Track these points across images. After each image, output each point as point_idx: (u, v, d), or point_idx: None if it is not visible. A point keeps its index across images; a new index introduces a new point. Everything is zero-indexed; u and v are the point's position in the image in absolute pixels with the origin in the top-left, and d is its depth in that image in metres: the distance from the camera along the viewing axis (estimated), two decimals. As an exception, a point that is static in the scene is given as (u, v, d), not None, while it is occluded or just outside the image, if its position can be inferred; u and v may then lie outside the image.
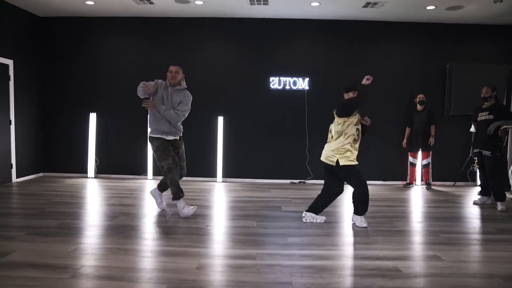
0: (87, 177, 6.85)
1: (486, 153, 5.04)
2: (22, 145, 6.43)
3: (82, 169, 6.94)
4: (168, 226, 3.89)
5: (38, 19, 6.77)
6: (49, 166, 7.03)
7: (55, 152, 7.02)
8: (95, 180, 6.63)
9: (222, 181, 6.81)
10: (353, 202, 4.02)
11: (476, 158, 5.37)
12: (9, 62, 6.09)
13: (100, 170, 6.97)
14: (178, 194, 4.11)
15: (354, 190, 3.96)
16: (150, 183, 6.51)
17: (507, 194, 5.24)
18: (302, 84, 6.81)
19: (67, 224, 3.88)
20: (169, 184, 4.14)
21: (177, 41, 6.88)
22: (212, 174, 6.86)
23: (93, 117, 6.84)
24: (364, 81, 3.99)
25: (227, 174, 6.87)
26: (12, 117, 6.18)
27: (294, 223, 4.10)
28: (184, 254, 3.06)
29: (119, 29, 6.90)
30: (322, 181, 6.53)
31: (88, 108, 6.87)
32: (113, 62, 6.93)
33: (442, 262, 3.01)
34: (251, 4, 6.04)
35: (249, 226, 3.92)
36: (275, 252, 3.14)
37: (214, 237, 3.55)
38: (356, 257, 3.09)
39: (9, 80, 6.11)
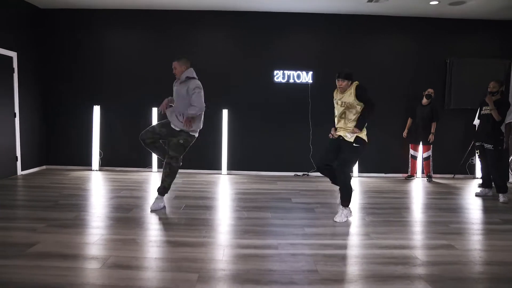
0: (91, 170, 6.85)
1: (488, 146, 5.18)
2: (26, 137, 6.40)
3: (86, 162, 6.94)
4: (184, 218, 3.94)
5: (39, 11, 6.70)
6: (52, 158, 7.01)
7: (58, 145, 6.99)
8: (99, 173, 6.64)
9: (227, 174, 6.87)
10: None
11: (478, 151, 5.51)
12: (13, 55, 6.03)
13: (105, 163, 6.97)
14: (166, 191, 4.27)
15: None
16: (155, 175, 6.54)
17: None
18: (306, 77, 6.88)
19: (84, 216, 3.91)
20: (166, 180, 4.23)
21: (180, 34, 6.88)
22: (216, 166, 6.91)
23: (97, 109, 6.82)
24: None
25: (231, 166, 6.93)
26: (16, 110, 6.14)
27: (308, 214, 4.19)
28: (208, 244, 3.13)
29: (122, 21, 6.87)
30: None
31: (92, 101, 6.85)
32: (117, 54, 6.90)
33: (456, 250, 3.13)
34: (257, -3, 6.07)
35: (264, 218, 4.00)
36: (296, 242, 3.23)
37: (232, 228, 3.63)
38: (373, 246, 3.19)
39: (13, 72, 6.05)
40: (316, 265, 2.74)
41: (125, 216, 3.94)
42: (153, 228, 3.60)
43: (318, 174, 6.91)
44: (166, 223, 3.77)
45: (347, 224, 3.86)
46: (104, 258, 2.79)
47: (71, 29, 6.85)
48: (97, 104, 6.84)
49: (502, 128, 5.16)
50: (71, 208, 4.21)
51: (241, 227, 3.66)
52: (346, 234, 3.53)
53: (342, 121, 4.04)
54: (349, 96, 4.02)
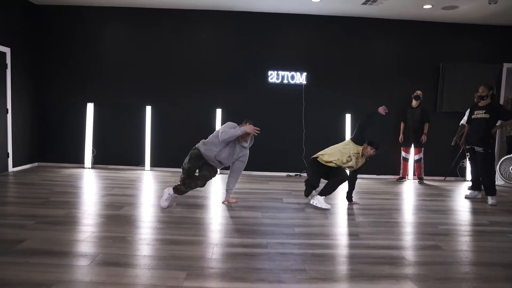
0: (83, 168, 6.83)
1: (479, 149, 5.23)
2: (18, 134, 6.38)
3: (78, 160, 6.92)
4: (175, 216, 3.95)
5: (34, 7, 6.68)
6: (44, 156, 6.99)
7: (51, 142, 6.97)
8: (92, 171, 6.63)
9: (220, 173, 6.87)
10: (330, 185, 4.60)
11: (468, 154, 5.57)
12: (6, 50, 6.01)
13: (97, 161, 6.96)
14: (179, 191, 4.32)
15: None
16: (148, 174, 6.54)
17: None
18: (300, 78, 6.91)
19: (74, 213, 3.91)
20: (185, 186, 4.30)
21: (175, 33, 6.89)
22: (209, 166, 6.92)
23: (90, 107, 6.81)
24: (381, 111, 4.69)
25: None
26: (9, 106, 6.11)
27: (298, 214, 4.22)
28: (197, 243, 3.14)
29: (117, 19, 6.87)
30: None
31: (85, 98, 6.84)
32: (111, 52, 6.90)
33: (443, 251, 3.17)
34: (253, -3, 6.10)
35: (254, 217, 4.02)
36: (285, 241, 3.25)
37: (222, 227, 3.64)
38: (362, 247, 3.22)
39: (6, 68, 6.03)
40: (304, 264, 2.76)
41: (116, 214, 3.94)
42: (143, 226, 3.60)
43: (311, 174, 6.97)
44: (156, 221, 3.78)
45: (337, 224, 3.89)
46: (93, 255, 2.79)
47: (66, 26, 6.83)
48: (91, 102, 6.82)
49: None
50: (62, 205, 4.20)
51: (231, 226, 3.67)
52: (335, 234, 3.56)
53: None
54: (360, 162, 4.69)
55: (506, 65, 7.13)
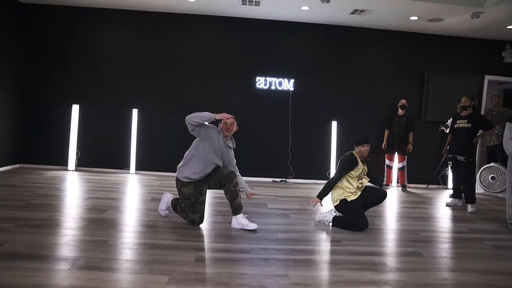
0: (67, 170, 6.74)
1: (461, 158, 5.36)
2: None
3: (61, 162, 6.82)
4: (159, 220, 3.94)
5: (19, 5, 6.59)
6: (26, 157, 6.85)
7: (33, 143, 6.85)
8: (76, 173, 6.54)
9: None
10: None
11: (450, 162, 5.69)
12: (-10, 49, 5.92)
13: (81, 163, 6.87)
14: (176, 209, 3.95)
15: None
16: (132, 177, 6.49)
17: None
18: (288, 85, 6.97)
19: (56, 216, 3.85)
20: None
21: (165, 36, 6.89)
22: (195, 170, 6.90)
23: (75, 108, 6.73)
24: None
25: (210, 171, 6.92)
26: (-9, 106, 6.01)
27: (282, 220, 4.24)
28: (180, 247, 3.14)
29: (105, 20, 6.82)
30: (303, 180, 6.75)
31: (70, 99, 6.75)
32: (98, 53, 6.84)
33: (423, 257, 3.23)
34: (242, 4, 6.14)
35: (239, 222, 4.02)
36: (269, 247, 3.27)
37: (206, 232, 3.64)
38: (344, 253, 3.26)
39: (-10, 67, 5.93)
40: (287, 269, 2.78)
41: (99, 217, 3.91)
42: (126, 230, 3.57)
43: (296, 180, 7.02)
44: (140, 225, 3.75)
45: (320, 230, 3.93)
46: (74, 259, 2.76)
47: (52, 26, 6.76)
48: (76, 103, 6.75)
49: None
50: (44, 208, 4.14)
51: (215, 231, 3.67)
52: (318, 240, 3.59)
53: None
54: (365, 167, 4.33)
55: (487, 77, 7.32)
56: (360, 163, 4.17)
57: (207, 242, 3.31)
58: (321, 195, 4.10)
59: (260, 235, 3.60)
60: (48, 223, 3.61)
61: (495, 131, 6.57)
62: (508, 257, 3.38)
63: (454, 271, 2.96)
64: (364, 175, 4.21)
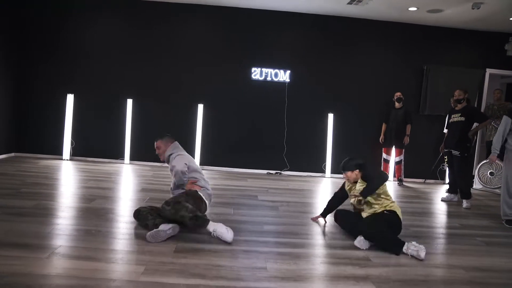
0: (62, 159, 6.73)
1: (456, 153, 5.27)
2: (-5, 123, 6.26)
3: (56, 151, 6.81)
4: (146, 211, 3.90)
5: (16, -6, 6.55)
6: (22, 146, 6.86)
7: (29, 132, 6.85)
8: (70, 163, 6.54)
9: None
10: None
11: (446, 157, 5.61)
12: (-16, 37, 5.89)
13: (76, 153, 6.86)
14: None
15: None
16: (126, 167, 6.47)
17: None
18: (284, 76, 6.89)
19: (43, 205, 3.84)
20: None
21: (159, 26, 6.82)
22: (190, 161, 6.87)
23: (70, 98, 6.71)
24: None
25: (204, 162, 6.90)
26: (-15, 94, 6.00)
27: (270, 212, 4.20)
28: (162, 238, 3.11)
29: (101, 9, 6.76)
30: (298, 173, 6.72)
31: (65, 89, 6.73)
32: (94, 42, 6.79)
33: (409, 253, 3.17)
34: (238, -7, 6.06)
35: (226, 214, 4.00)
36: (251, 239, 3.23)
37: (192, 223, 3.60)
38: (329, 246, 3.22)
39: (-16, 55, 5.91)
40: (266, 262, 2.74)
41: (86, 207, 3.89)
42: (111, 219, 3.55)
43: (291, 173, 6.98)
44: (125, 215, 3.73)
45: (307, 223, 3.88)
46: (54, 247, 2.74)
47: (47, 14, 6.71)
48: (71, 93, 6.72)
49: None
50: (33, 196, 4.13)
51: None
52: (304, 233, 3.54)
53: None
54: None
55: (488, 70, 7.18)
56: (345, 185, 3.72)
57: (189, 233, 3.27)
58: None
59: (244, 227, 3.57)
60: (34, 211, 3.59)
61: (495, 125, 6.47)
62: (496, 254, 3.32)
63: (438, 267, 2.91)
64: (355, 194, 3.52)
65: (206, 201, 3.49)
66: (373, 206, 3.42)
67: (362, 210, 3.52)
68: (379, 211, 3.37)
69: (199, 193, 3.44)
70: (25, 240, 2.85)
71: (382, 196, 3.42)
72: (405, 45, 7.07)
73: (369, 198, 3.40)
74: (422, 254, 3.00)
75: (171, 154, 3.63)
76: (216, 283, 2.38)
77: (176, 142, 3.73)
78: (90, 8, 6.74)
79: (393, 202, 3.47)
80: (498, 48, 7.10)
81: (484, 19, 6.41)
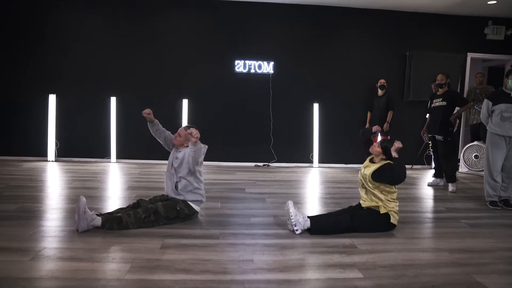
0: (47, 161, 6.63)
1: (439, 137, 5.33)
2: (-25, 126, 6.12)
3: (41, 153, 6.70)
4: (132, 209, 3.87)
5: (-10, -7, 6.38)
6: (4, 149, 6.71)
7: (11, 135, 6.71)
8: (55, 164, 6.45)
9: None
10: None
11: (430, 142, 5.67)
12: (-41, 38, 5.73)
13: (61, 154, 6.76)
14: None
15: None
16: (113, 166, 6.41)
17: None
18: (267, 68, 6.87)
19: (26, 207, 3.77)
20: None
21: (141, 22, 6.71)
22: (177, 157, 6.83)
23: (52, 98, 6.59)
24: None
25: (192, 157, 6.85)
26: (-37, 97, 5.86)
27: (257, 204, 4.20)
28: (149, 234, 3.08)
29: (81, 7, 6.63)
30: (286, 164, 6.72)
31: (47, 89, 6.59)
32: (74, 41, 6.65)
33: (396, 239, 3.21)
34: (217, -15, 5.98)
35: (213, 208, 3.98)
36: (238, 232, 3.23)
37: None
38: (316, 236, 3.23)
39: (-41, 57, 5.76)
40: (253, 254, 2.74)
41: (70, 207, 3.83)
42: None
43: (279, 164, 6.98)
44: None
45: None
46: (37, 250, 2.70)
47: (27, 11, 6.53)
48: (53, 93, 6.60)
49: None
50: (15, 199, 4.06)
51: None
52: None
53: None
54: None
55: (470, 55, 7.25)
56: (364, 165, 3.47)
57: (175, 229, 3.26)
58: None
59: (232, 220, 3.56)
60: (17, 214, 3.53)
61: (478, 109, 6.54)
62: (479, 235, 3.37)
63: (424, 251, 2.94)
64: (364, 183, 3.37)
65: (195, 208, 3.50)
66: (373, 199, 3.33)
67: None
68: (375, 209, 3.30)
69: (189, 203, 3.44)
70: (7, 243, 2.80)
71: (388, 196, 3.31)
72: (388, 32, 7.09)
73: (372, 187, 3.29)
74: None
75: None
76: (203, 277, 2.37)
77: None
78: (71, 6, 6.59)
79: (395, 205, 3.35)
80: (479, 32, 7.17)
81: (464, 4, 6.46)
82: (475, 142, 6.69)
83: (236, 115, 6.92)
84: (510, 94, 4.25)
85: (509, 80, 4.21)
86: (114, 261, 2.56)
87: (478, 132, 6.78)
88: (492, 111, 4.38)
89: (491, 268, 2.65)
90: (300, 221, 3.21)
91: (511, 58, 7.32)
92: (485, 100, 4.47)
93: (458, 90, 7.05)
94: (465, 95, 7.02)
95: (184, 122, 6.77)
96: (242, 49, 6.83)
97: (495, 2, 6.31)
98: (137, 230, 3.16)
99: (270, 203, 4.27)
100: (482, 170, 6.47)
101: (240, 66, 6.82)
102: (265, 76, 6.88)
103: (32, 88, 6.64)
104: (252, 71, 6.84)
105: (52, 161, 6.64)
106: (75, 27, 6.65)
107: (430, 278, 2.46)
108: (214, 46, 6.82)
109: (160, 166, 6.44)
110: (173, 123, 6.75)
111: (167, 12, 6.72)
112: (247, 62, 6.81)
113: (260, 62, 6.83)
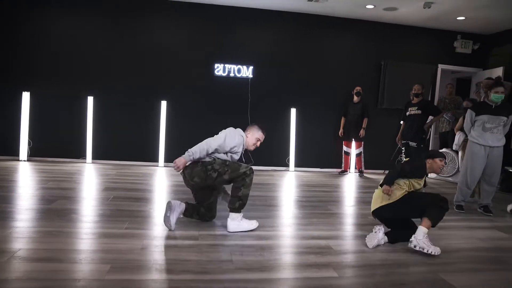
0: (19, 160, 6.47)
1: (413, 144, 5.57)
2: None
3: (12, 152, 6.53)
4: (110, 209, 3.86)
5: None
6: (-26, 147, 6.52)
7: (-19, 133, 6.52)
8: (28, 164, 6.30)
9: (164, 166, 6.79)
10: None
11: (403, 148, 5.90)
12: None
13: (34, 153, 6.61)
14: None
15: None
16: (88, 167, 6.32)
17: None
18: (247, 72, 6.96)
19: (-1, 207, 3.70)
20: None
21: (120, 22, 6.68)
22: (154, 158, 6.81)
23: (26, 96, 6.44)
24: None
25: (169, 159, 6.83)
26: None
27: (236, 207, 4.25)
28: (128, 235, 3.10)
29: (60, 4, 6.52)
30: (263, 167, 6.80)
31: (20, 86, 6.44)
32: (49, 39, 6.54)
33: (368, 240, 3.34)
34: (199, -11, 6.04)
35: (192, 210, 4.01)
36: (217, 233, 3.28)
37: (157, 220, 3.60)
38: (293, 237, 3.33)
39: None
40: (232, 255, 2.81)
41: (47, 208, 3.78)
42: (74, 219, 3.48)
43: (256, 167, 7.03)
44: (88, 214, 3.67)
45: (272, 216, 3.98)
46: (13, 251, 2.67)
47: (0, 7, 6.40)
48: (27, 90, 6.45)
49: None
50: (-13, 199, 3.97)
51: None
52: (269, 226, 3.63)
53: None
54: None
55: (440, 66, 7.60)
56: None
57: (156, 230, 3.29)
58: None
59: (212, 222, 3.61)
60: (-10, 215, 3.46)
61: (447, 118, 6.85)
62: (445, 236, 3.57)
63: (395, 252, 3.09)
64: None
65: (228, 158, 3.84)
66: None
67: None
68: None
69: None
70: (-19, 244, 2.76)
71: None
72: (364, 41, 7.33)
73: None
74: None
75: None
76: (183, 277, 2.41)
77: (249, 126, 4.10)
78: (50, 2, 6.47)
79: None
80: (449, 45, 7.51)
81: (435, 18, 6.78)
82: (444, 149, 6.98)
83: (214, 118, 6.95)
84: (493, 106, 4.43)
85: (491, 93, 4.38)
86: (93, 262, 2.57)
87: (446, 139, 7.09)
88: (475, 121, 4.56)
89: (455, 267, 2.82)
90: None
91: (478, 70, 7.71)
92: (469, 111, 4.63)
93: (429, 99, 7.36)
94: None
95: (163, 123, 6.76)
96: (222, 52, 6.90)
97: (463, 18, 6.66)
98: (117, 231, 3.17)
99: (250, 205, 4.31)
100: (449, 176, 6.80)
101: (220, 69, 6.88)
102: (244, 80, 6.97)
103: (4, 85, 6.47)
104: (232, 74, 6.92)
105: (24, 160, 6.49)
106: (50, 24, 6.53)
107: (401, 277, 2.60)
108: (194, 49, 6.85)
109: (137, 167, 6.41)
110: (151, 124, 6.76)
111: (148, 14, 6.71)
112: (227, 65, 6.89)
113: (239, 66, 6.92)
